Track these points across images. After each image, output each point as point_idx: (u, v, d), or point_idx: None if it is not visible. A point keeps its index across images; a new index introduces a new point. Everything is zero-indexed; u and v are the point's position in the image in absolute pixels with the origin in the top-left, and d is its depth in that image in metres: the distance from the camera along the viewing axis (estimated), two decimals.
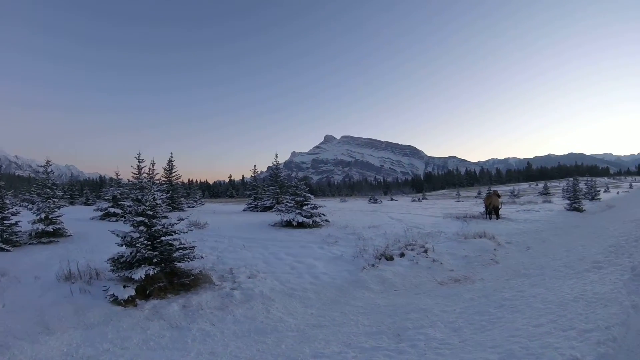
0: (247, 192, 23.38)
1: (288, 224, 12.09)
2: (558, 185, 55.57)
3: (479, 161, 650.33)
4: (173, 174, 22.19)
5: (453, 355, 3.84)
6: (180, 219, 6.53)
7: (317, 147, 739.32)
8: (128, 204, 8.40)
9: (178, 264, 6.15)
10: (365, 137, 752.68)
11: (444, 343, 4.14)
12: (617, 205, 21.79)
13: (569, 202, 18.29)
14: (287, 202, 13.43)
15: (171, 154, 22.74)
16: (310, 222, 12.09)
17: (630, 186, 52.67)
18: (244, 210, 21.08)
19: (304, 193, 12.96)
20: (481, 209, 16.76)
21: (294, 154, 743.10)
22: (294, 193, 13.12)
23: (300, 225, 11.91)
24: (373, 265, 7.43)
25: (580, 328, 4.01)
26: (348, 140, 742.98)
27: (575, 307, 4.73)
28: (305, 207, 12.46)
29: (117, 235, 5.93)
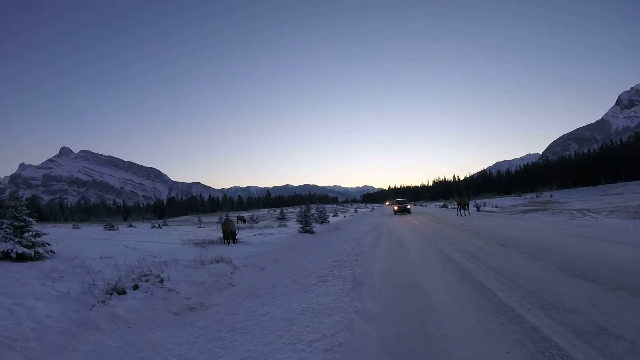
0: None
1: (5, 256, 9.44)
2: (293, 211, 62.45)
3: (223, 188, 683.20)
4: None
5: None
6: None
7: (50, 160, 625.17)
8: None
9: None
10: (107, 154, 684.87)
11: None
12: (342, 227, 25.70)
13: (301, 225, 20.54)
14: (6, 227, 10.54)
15: None
16: (32, 254, 9.77)
17: (355, 211, 63.51)
18: None
19: (25, 217, 10.40)
20: (220, 234, 17.18)
21: (22, 166, 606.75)
22: (12, 216, 10.33)
23: (21, 257, 9.48)
24: (104, 301, 6.49)
25: (307, 339, 4.26)
26: (87, 155, 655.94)
27: (302, 320, 5.07)
28: (26, 235, 10.04)
29: None
